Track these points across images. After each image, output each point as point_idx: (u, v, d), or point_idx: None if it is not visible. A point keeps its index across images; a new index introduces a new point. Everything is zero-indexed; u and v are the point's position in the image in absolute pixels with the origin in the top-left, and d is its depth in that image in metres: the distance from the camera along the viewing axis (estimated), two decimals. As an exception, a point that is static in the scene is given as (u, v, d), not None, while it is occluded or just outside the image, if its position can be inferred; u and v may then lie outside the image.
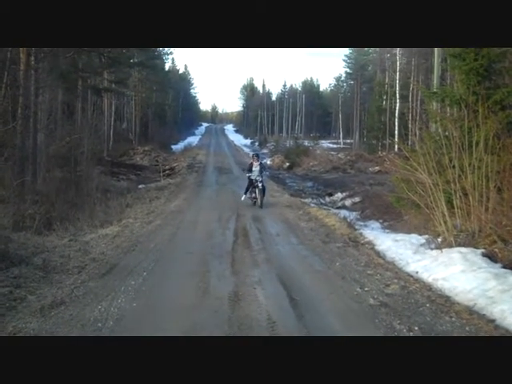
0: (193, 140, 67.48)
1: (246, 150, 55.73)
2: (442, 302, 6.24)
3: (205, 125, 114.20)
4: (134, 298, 6.40)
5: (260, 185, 15.13)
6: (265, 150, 50.50)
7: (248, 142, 71.54)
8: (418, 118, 32.82)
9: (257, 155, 17.00)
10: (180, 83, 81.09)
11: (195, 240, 10.35)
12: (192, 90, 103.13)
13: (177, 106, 75.96)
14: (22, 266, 7.49)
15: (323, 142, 58.29)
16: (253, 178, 15.35)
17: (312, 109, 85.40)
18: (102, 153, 28.80)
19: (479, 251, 7.55)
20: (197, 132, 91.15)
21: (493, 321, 5.51)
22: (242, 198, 15.80)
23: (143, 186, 22.11)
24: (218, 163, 34.10)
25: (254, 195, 15.51)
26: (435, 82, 20.71)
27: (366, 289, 6.77)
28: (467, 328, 5.32)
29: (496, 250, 7.55)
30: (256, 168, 15.53)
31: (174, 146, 53.10)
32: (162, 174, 25.25)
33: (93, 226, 11.97)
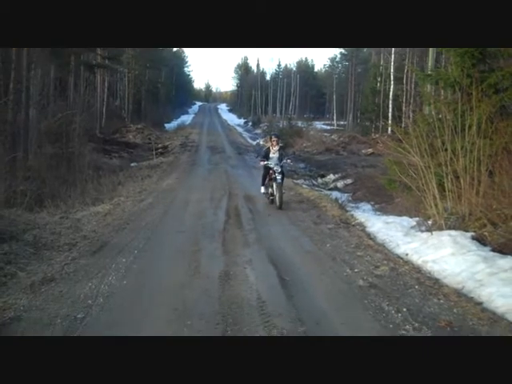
0: (186, 119, 67.23)
1: (240, 129, 55.67)
2: (430, 284, 6.29)
3: (198, 103, 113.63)
4: (124, 276, 6.41)
5: (279, 177, 11.59)
6: (258, 131, 50.36)
7: (241, 121, 71.31)
8: (411, 100, 32.81)
9: (276, 136, 13.08)
10: (174, 61, 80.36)
11: (187, 219, 10.37)
12: (186, 69, 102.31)
13: (170, 84, 75.38)
14: (12, 243, 7.48)
15: (317, 123, 58.17)
16: (271, 166, 11.96)
17: (306, 89, 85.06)
18: (95, 129, 28.61)
19: (469, 234, 7.59)
20: (190, 111, 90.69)
21: (480, 303, 5.56)
22: (262, 190, 12.49)
23: (135, 164, 22.07)
24: (210, 142, 34.00)
25: (270, 190, 12.05)
26: (430, 64, 20.65)
27: (356, 270, 6.81)
28: (455, 310, 5.38)
29: (486, 233, 7.59)
30: (274, 154, 12.16)
31: (167, 125, 52.88)
32: (154, 153, 25.16)
33: (84, 203, 11.95)
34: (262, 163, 12.27)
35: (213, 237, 8.65)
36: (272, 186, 11.87)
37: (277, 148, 12.23)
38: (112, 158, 23.00)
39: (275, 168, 11.75)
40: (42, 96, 19.71)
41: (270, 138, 13.01)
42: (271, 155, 12.14)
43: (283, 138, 33.63)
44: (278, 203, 11.50)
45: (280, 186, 11.57)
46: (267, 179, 12.20)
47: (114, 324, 4.91)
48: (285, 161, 12.27)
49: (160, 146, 29.65)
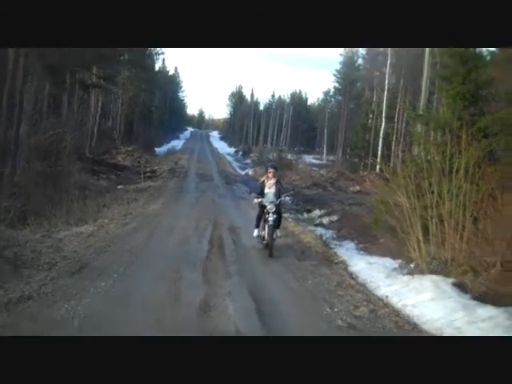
0: (177, 144, 67.35)
1: (230, 158, 55.87)
2: (409, 328, 6.28)
3: (190, 129, 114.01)
4: (102, 300, 6.34)
5: (271, 218, 9.85)
6: (248, 160, 50.52)
7: (232, 150, 71.52)
8: (402, 139, 33.11)
9: (273, 167, 10.83)
10: (169, 84, 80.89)
11: (170, 246, 10.32)
12: (180, 93, 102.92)
13: (163, 108, 75.66)
14: (-9, 259, 7.39)
15: (306, 156, 58.56)
16: (265, 204, 10.11)
17: (298, 122, 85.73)
18: (84, 149, 28.56)
19: (450, 280, 7.62)
20: (181, 136, 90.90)
21: (458, 351, 5.55)
22: (255, 234, 10.57)
23: (122, 186, 21.99)
24: (199, 170, 34.05)
25: (263, 233, 10.28)
26: (422, 103, 20.96)
27: (336, 309, 6.78)
28: (432, 356, 5.36)
29: (467, 280, 7.61)
30: (270, 189, 10.26)
31: (157, 149, 52.93)
32: (142, 176, 25.13)
33: (68, 223, 11.84)
34: (255, 201, 10.40)
35: (195, 265, 8.60)
36: (264, 229, 10.14)
37: (273, 181, 10.27)
38: (99, 179, 22.90)
39: (269, 207, 9.96)
40: (34, 111, 19.67)
41: (266, 170, 10.71)
42: (266, 190, 10.23)
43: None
44: (269, 248, 9.81)
45: (272, 229, 9.78)
46: (262, 220, 10.32)
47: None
48: (283, 198, 10.50)
49: (149, 169, 29.63)
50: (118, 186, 21.80)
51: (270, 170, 10.47)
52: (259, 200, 10.24)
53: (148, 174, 27.27)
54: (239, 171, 38.66)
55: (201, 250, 9.97)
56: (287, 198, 11.01)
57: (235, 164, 46.75)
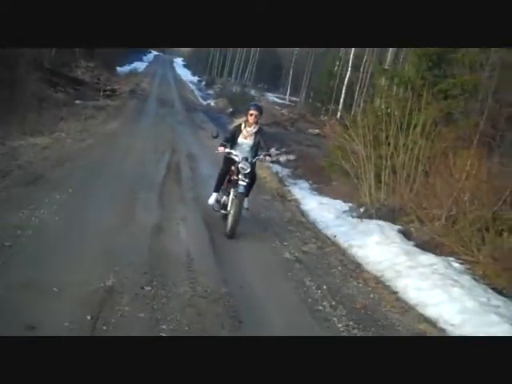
0: (140, 66, 65.38)
1: (192, 86, 54.92)
2: (352, 267, 6.60)
3: (154, 53, 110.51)
4: (56, 212, 6.34)
5: (243, 184, 6.83)
6: (210, 91, 49.74)
7: (195, 79, 70.09)
8: (364, 90, 33.24)
9: (258, 109, 7.31)
10: None
11: (126, 167, 10.21)
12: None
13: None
14: None
15: (270, 94, 58.02)
16: (235, 158, 7.02)
17: (265, 59, 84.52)
18: (43, 59, 27.47)
19: (396, 227, 7.96)
20: (145, 59, 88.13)
21: (395, 292, 5.91)
22: (211, 201, 7.40)
23: (81, 102, 21.36)
24: (161, 94, 33.37)
25: (224, 200, 7.28)
26: (388, 59, 21.05)
27: (285, 243, 7.01)
28: (371, 295, 5.70)
29: (412, 228, 7.99)
30: (247, 139, 7.20)
31: (119, 68, 51.21)
32: (102, 94, 24.47)
33: (23, 132, 11.55)
34: (220, 150, 7.10)
35: (151, 188, 8.61)
36: (228, 194, 7.16)
37: (254, 130, 7.14)
38: (57, 92, 22.12)
39: (241, 165, 6.80)
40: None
41: (246, 112, 7.25)
42: (241, 140, 7.17)
43: (234, 103, 33.40)
44: (228, 226, 6.79)
45: (241, 198, 6.77)
46: (225, 182, 7.36)
47: (40, 257, 4.90)
48: (262, 157, 7.17)
49: (109, 88, 28.76)
50: (76, 101, 21.17)
51: (252, 111, 7.10)
52: (227, 151, 7.04)
53: (108, 93, 26.53)
54: (201, 100, 38.15)
55: (158, 174, 9.96)
56: (267, 159, 7.39)
57: (197, 93, 46.00)
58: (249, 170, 6.80)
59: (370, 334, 4.64)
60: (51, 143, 10.90)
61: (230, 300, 4.75)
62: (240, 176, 6.79)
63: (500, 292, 6.00)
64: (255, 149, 7.16)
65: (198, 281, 5.01)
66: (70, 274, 4.57)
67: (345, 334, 4.57)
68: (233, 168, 7.05)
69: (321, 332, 4.51)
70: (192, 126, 20.98)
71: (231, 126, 7.36)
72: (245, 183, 6.77)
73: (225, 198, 7.24)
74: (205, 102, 36.78)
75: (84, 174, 8.73)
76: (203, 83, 62.84)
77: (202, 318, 4.26)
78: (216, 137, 7.72)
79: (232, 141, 7.16)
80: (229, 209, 6.93)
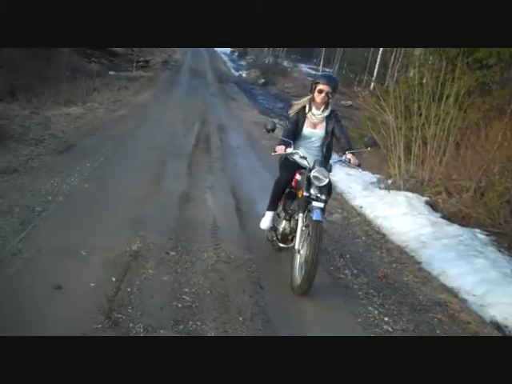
0: (173, 36, 65.42)
1: (225, 57, 54.76)
2: (377, 238, 6.61)
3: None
4: (87, 180, 6.53)
5: (319, 206, 4.28)
6: (243, 62, 49.48)
7: (228, 50, 69.78)
8: (400, 59, 32.63)
9: (331, 83, 4.72)
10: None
11: (157, 137, 10.39)
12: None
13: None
14: (-22, 129, 7.47)
15: (303, 65, 57.34)
16: (301, 162, 4.76)
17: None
18: (77, 29, 27.66)
19: (424, 198, 7.90)
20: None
21: (419, 263, 5.90)
22: (264, 225, 5.07)
23: (114, 73, 21.57)
24: (193, 65, 33.39)
25: (283, 227, 4.94)
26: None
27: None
28: (394, 265, 5.70)
29: (439, 200, 7.91)
30: (317, 128, 4.85)
31: (152, 39, 51.42)
32: (135, 65, 24.64)
33: (57, 102, 11.81)
34: (280, 151, 4.66)
35: (180, 158, 8.73)
36: (287, 217, 4.97)
37: (324, 113, 4.80)
38: (91, 63, 22.34)
39: (316, 172, 4.39)
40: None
41: (313, 87, 4.78)
42: (306, 130, 4.87)
43: (267, 74, 33.14)
44: (297, 277, 4.39)
45: (319, 229, 4.17)
46: (282, 199, 5.09)
47: (69, 222, 5.07)
48: (345, 158, 4.71)
49: (142, 59, 28.91)
50: (110, 72, 21.38)
51: (322, 85, 4.68)
52: (289, 151, 4.66)
53: (141, 64, 26.69)
54: (233, 71, 38.02)
55: (187, 144, 10.08)
56: (353, 161, 4.69)
57: (230, 64, 45.90)
58: (326, 182, 4.41)
59: (389, 302, 4.68)
60: (84, 113, 11.11)
61: (252, 266, 4.83)
62: (313, 191, 4.38)
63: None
64: (327, 143, 4.92)
65: (222, 247, 5.11)
66: (98, 239, 4.72)
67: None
68: (297, 177, 4.73)
69: (340, 300, 4.56)
70: (223, 97, 20.97)
71: (290, 112, 4.95)
72: (322, 204, 4.34)
73: (284, 223, 4.97)
74: (237, 73, 36.65)
75: (115, 143, 8.88)
76: (236, 54, 62.44)
77: (225, 283, 4.36)
78: (272, 130, 4.81)
79: (294, 133, 4.83)
80: (297, 246, 4.45)
